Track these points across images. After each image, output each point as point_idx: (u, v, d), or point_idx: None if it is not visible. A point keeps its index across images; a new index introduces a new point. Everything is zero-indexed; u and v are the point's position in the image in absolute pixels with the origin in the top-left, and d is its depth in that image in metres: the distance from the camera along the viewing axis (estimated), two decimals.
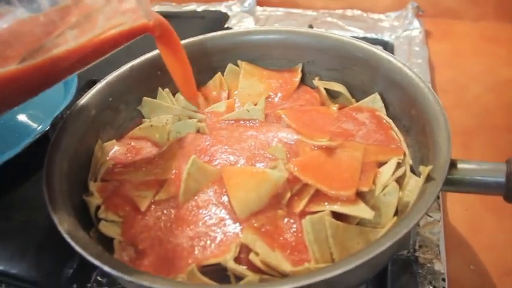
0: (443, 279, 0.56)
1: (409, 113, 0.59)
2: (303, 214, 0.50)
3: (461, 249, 0.64)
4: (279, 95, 0.68)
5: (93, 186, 0.57)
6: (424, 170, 0.48)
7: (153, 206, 0.53)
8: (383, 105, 0.64)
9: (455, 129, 0.81)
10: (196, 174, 0.52)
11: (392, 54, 0.95)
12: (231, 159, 0.56)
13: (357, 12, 1.12)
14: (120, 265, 0.43)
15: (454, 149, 0.65)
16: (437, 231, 0.61)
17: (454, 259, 0.61)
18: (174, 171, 0.56)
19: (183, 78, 0.59)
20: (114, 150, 0.62)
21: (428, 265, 0.57)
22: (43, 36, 0.44)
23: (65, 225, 0.47)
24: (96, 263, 0.42)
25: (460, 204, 0.69)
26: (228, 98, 0.69)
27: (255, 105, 0.65)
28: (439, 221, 0.62)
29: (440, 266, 0.57)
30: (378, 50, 0.64)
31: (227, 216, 0.50)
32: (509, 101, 0.76)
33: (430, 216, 0.63)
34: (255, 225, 0.49)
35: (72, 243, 0.44)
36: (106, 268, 0.41)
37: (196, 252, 0.48)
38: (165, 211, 0.52)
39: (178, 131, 0.62)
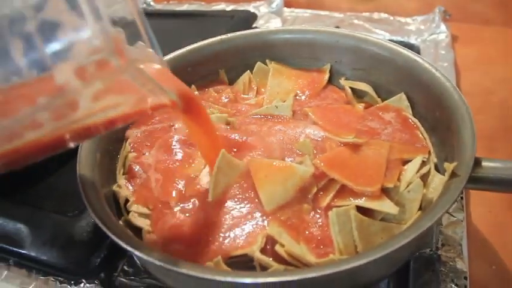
0: (466, 278, 0.56)
1: (434, 112, 0.60)
2: (329, 208, 0.50)
3: (484, 250, 0.64)
4: (307, 93, 0.69)
5: (121, 178, 0.59)
6: (449, 166, 0.49)
7: (181, 200, 0.54)
8: (409, 104, 0.65)
9: (480, 132, 0.81)
10: (225, 168, 0.53)
11: None
12: (259, 152, 0.57)
13: (384, 15, 1.12)
14: (150, 251, 0.44)
15: (479, 152, 0.65)
16: (460, 230, 0.61)
17: (476, 259, 0.62)
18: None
19: (209, 149, 0.54)
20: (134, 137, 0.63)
21: (451, 263, 0.58)
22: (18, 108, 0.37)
23: (97, 212, 0.48)
24: (128, 247, 0.44)
25: (483, 206, 0.69)
26: (256, 96, 0.71)
27: (284, 102, 0.66)
28: (462, 221, 0.63)
29: (462, 265, 0.57)
30: (405, 50, 0.65)
31: (254, 209, 0.51)
32: None
33: (453, 216, 0.63)
34: (281, 218, 0.50)
35: (104, 229, 0.46)
36: (137, 252, 0.43)
37: (224, 244, 0.49)
38: (193, 204, 0.53)
39: None
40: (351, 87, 0.69)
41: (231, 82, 0.74)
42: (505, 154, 0.78)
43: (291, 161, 0.56)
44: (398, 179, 0.54)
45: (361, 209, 0.50)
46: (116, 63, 0.36)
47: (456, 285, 0.55)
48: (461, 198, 0.66)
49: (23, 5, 0.35)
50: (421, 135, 0.60)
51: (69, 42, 0.35)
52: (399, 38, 1.05)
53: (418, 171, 0.55)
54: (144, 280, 0.60)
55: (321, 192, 0.52)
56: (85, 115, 0.39)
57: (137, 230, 0.54)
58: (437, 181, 0.52)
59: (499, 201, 0.69)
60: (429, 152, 0.58)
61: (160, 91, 0.44)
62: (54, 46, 0.35)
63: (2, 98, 0.36)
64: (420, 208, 0.52)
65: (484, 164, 0.49)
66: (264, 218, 0.50)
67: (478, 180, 0.48)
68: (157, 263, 0.41)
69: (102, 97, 0.38)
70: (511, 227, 0.67)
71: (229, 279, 0.40)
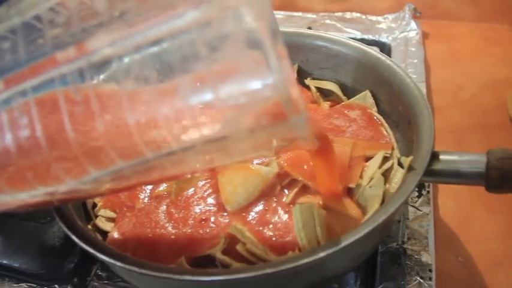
0: (430, 270, 0.57)
1: (397, 108, 0.61)
2: (291, 204, 0.52)
3: (451, 243, 0.65)
4: None
5: None
6: (406, 160, 0.50)
7: (146, 201, 0.55)
8: (373, 102, 0.66)
9: (450, 127, 0.84)
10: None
11: (389, 54, 0.98)
12: None
13: (356, 14, 1.13)
14: (114, 253, 0.45)
15: (448, 146, 0.66)
16: (426, 224, 0.63)
17: (443, 252, 0.63)
18: None
19: (329, 183, 0.52)
20: None
21: (416, 257, 0.59)
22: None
23: (64, 218, 0.49)
24: (90, 250, 0.44)
25: (451, 200, 0.71)
26: None
27: None
28: (428, 215, 0.64)
29: (427, 258, 0.59)
30: (368, 48, 0.66)
31: (217, 210, 0.52)
32: (505, 100, 0.78)
33: (420, 210, 0.64)
34: (244, 217, 0.51)
35: (69, 233, 0.46)
36: (99, 255, 0.44)
37: (186, 245, 0.50)
38: (158, 206, 0.54)
39: None
40: (317, 87, 0.70)
41: None
42: (473, 148, 0.80)
43: (257, 161, 0.56)
44: (361, 176, 0.55)
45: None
46: (292, 118, 0.34)
47: (421, 277, 0.57)
48: (428, 192, 0.67)
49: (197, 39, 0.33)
50: (385, 132, 0.61)
51: (249, 90, 0.33)
52: (370, 37, 1.06)
53: (380, 167, 0.56)
54: (118, 284, 0.61)
55: (284, 190, 0.53)
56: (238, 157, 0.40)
57: (106, 234, 0.54)
58: (399, 176, 0.53)
59: (468, 195, 0.71)
60: (392, 148, 0.59)
61: (310, 139, 0.42)
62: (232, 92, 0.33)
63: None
64: (383, 202, 0.53)
65: (442, 157, 0.50)
66: (227, 218, 0.51)
67: (435, 173, 0.49)
68: (118, 264, 0.42)
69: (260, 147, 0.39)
70: (479, 219, 0.69)
71: (186, 277, 0.40)
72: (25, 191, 0.40)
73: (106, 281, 0.61)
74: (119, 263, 0.43)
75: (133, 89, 0.35)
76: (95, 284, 0.61)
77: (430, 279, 0.56)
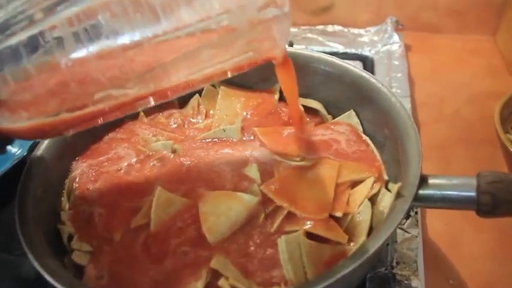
0: None
1: (382, 129, 0.59)
2: (277, 234, 0.49)
3: (440, 264, 0.64)
4: (256, 114, 0.68)
5: (64, 215, 0.57)
6: (394, 187, 0.48)
7: (125, 233, 0.52)
8: (358, 121, 0.64)
9: (436, 142, 0.83)
10: (163, 205, 0.52)
11: (372, 68, 0.97)
12: (208, 178, 0.55)
13: (338, 27, 1.12)
14: None
15: (435, 162, 0.64)
16: (415, 247, 0.61)
17: (433, 274, 0.61)
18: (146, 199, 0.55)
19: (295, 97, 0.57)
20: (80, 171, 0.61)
21: (406, 282, 0.57)
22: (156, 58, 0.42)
23: (34, 251, 0.47)
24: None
25: (439, 220, 0.69)
26: (205, 120, 0.69)
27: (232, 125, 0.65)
28: (416, 237, 0.62)
29: (417, 283, 0.57)
30: (351, 66, 0.65)
31: (198, 242, 0.50)
32: (490, 113, 0.76)
33: (408, 232, 0.63)
34: (227, 249, 0.49)
35: (39, 268, 0.44)
36: None
37: (167, 280, 0.48)
38: (135, 239, 0.52)
39: (154, 151, 0.61)
40: (302, 105, 0.68)
41: (181, 107, 0.73)
42: (461, 163, 0.79)
43: (240, 187, 0.54)
44: (347, 203, 0.53)
45: (310, 233, 0.50)
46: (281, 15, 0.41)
47: None
48: (416, 213, 0.65)
49: None
50: (373, 152, 0.60)
51: None
52: (353, 50, 1.05)
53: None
54: None
55: (269, 218, 0.51)
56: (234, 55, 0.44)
57: (82, 269, 0.52)
58: (387, 200, 0.52)
59: (455, 215, 0.69)
60: (380, 171, 0.57)
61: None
62: None
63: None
64: (372, 227, 0.51)
65: (431, 181, 0.49)
66: (209, 251, 0.49)
67: (424, 199, 0.48)
68: None
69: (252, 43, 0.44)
70: (467, 239, 0.67)
71: None
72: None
73: None
74: None
75: None
76: None
77: None
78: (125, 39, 0.40)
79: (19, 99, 0.42)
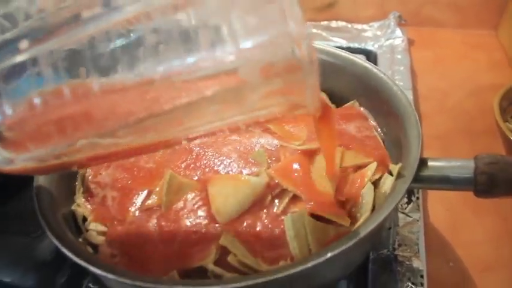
0: (422, 276, 0.58)
1: (385, 116, 0.61)
2: (283, 214, 0.52)
3: (441, 248, 0.66)
4: None
5: (79, 198, 0.59)
6: (394, 168, 0.50)
7: (138, 214, 0.55)
8: (361, 110, 0.66)
9: (437, 133, 0.85)
10: (175, 188, 0.54)
11: (376, 62, 0.99)
12: (217, 163, 0.57)
13: (341, 23, 1.14)
14: (105, 266, 0.45)
15: (435, 152, 0.66)
16: (416, 230, 0.63)
17: (434, 257, 0.63)
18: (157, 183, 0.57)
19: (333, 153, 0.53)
20: None
21: (407, 263, 0.59)
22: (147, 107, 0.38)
23: (54, 231, 0.49)
24: (83, 264, 0.44)
25: (440, 205, 0.71)
26: None
27: None
28: (418, 221, 0.64)
29: (419, 264, 0.59)
30: (353, 57, 0.67)
31: (208, 222, 0.52)
32: (490, 106, 0.78)
33: (410, 216, 0.65)
34: (236, 227, 0.51)
35: (60, 246, 0.46)
36: (90, 267, 0.44)
37: (178, 257, 0.50)
38: (148, 219, 0.54)
39: None
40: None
41: None
42: (460, 153, 0.80)
43: (248, 170, 0.56)
44: (351, 187, 0.55)
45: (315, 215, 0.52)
46: (307, 68, 0.36)
47: (413, 283, 0.57)
48: (417, 198, 0.67)
49: None
50: (377, 137, 0.62)
51: (267, 38, 0.35)
52: (356, 45, 1.07)
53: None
54: None
55: (275, 199, 0.53)
56: (245, 111, 0.40)
57: (96, 248, 0.54)
58: (388, 183, 0.54)
59: (456, 200, 0.71)
60: (383, 156, 0.59)
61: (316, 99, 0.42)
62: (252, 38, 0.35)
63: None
64: (374, 209, 0.54)
65: (430, 164, 0.51)
66: (218, 229, 0.51)
67: (423, 180, 0.50)
68: (110, 276, 0.42)
69: (272, 96, 0.38)
70: (468, 224, 0.69)
71: None
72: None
73: None
74: (110, 275, 0.42)
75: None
76: None
77: (422, 285, 0.57)
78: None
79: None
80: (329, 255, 0.42)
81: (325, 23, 1.15)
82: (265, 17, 0.35)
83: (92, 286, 0.62)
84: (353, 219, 0.52)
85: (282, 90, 0.38)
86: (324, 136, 0.50)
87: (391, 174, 0.56)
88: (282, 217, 0.51)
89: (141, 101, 0.38)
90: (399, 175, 0.50)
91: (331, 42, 1.09)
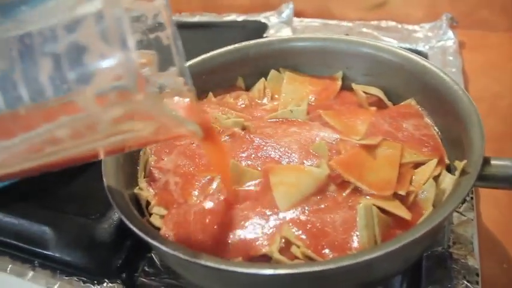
0: (477, 274, 0.58)
1: (443, 114, 0.62)
2: (344, 206, 0.52)
3: (494, 249, 0.66)
4: (320, 98, 0.71)
5: (142, 181, 0.61)
6: (459, 164, 0.51)
7: (200, 199, 0.56)
8: (419, 108, 0.66)
9: (489, 135, 0.83)
10: (236, 176, 0.55)
11: None
12: (277, 154, 0.59)
13: (392, 23, 1.14)
14: (175, 245, 0.46)
15: (488, 154, 0.66)
16: (470, 229, 0.63)
17: (487, 258, 0.63)
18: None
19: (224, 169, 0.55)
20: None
21: (462, 261, 0.59)
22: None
23: (123, 210, 0.51)
24: (153, 242, 0.46)
25: (492, 207, 0.71)
26: (271, 102, 0.73)
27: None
28: (472, 220, 0.64)
29: (474, 262, 0.59)
30: (414, 55, 0.67)
31: (271, 211, 0.53)
32: None
33: (464, 216, 0.65)
34: (298, 218, 0.52)
35: (131, 225, 0.48)
36: (162, 246, 0.45)
37: (242, 244, 0.51)
38: (211, 204, 0.55)
39: (225, 127, 0.65)
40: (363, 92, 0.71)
41: (246, 89, 0.77)
42: None
43: (308, 163, 0.57)
44: (411, 182, 0.56)
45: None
46: (136, 96, 0.35)
47: (468, 281, 0.57)
48: (472, 198, 0.67)
49: (57, 23, 0.35)
50: (435, 135, 0.62)
51: (94, 68, 0.34)
52: (407, 45, 1.07)
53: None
54: (164, 280, 0.62)
55: (338, 190, 0.54)
56: (103, 136, 0.40)
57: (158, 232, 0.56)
58: (448, 181, 0.54)
59: (508, 202, 0.71)
60: (442, 154, 0.59)
61: (181, 123, 0.45)
62: (80, 70, 0.35)
63: (25, 114, 0.37)
64: (433, 207, 0.54)
65: (493, 162, 0.51)
66: (281, 219, 0.52)
67: (487, 178, 0.50)
68: (182, 256, 0.44)
69: (122, 122, 0.38)
70: None
71: (252, 270, 0.42)
72: None
73: (153, 277, 0.63)
74: (182, 255, 0.44)
75: None
76: (143, 279, 0.63)
77: (477, 283, 0.57)
78: None
79: None
80: (397, 245, 0.42)
81: (375, 22, 1.15)
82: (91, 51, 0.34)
83: (148, 269, 0.63)
84: (414, 214, 0.53)
85: (128, 116, 0.38)
86: (214, 156, 0.53)
87: (448, 171, 0.56)
88: (343, 208, 0.52)
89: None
90: (463, 172, 0.50)
91: (382, 42, 1.09)
